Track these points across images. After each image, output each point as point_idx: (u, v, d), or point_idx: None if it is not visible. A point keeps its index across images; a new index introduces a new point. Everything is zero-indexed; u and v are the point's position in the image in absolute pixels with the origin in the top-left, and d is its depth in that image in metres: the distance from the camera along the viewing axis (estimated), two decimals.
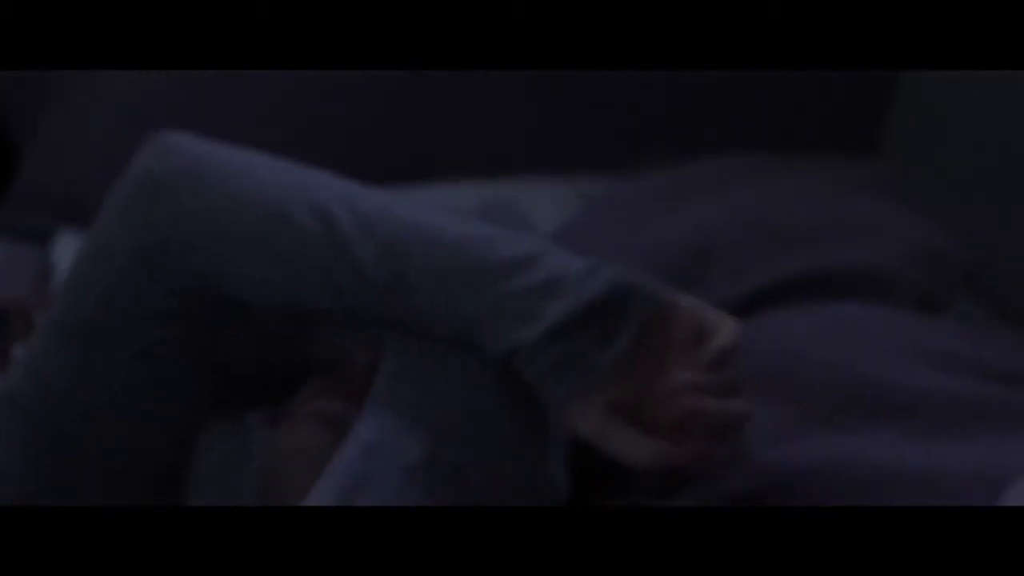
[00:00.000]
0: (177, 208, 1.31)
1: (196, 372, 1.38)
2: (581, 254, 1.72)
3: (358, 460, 1.26)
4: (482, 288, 1.24)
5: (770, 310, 1.58)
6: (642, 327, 1.23)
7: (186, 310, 1.34)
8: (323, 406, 1.45)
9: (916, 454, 1.34)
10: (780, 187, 1.75)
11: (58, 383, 1.35)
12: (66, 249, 1.97)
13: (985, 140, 2.15)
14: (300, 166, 1.34)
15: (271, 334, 1.56)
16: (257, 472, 1.51)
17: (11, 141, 2.16)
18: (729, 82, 2.05)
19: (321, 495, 1.25)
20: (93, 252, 1.35)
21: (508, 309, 1.23)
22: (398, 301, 1.26)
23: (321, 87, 2.05)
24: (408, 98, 2.06)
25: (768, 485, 1.36)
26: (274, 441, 1.48)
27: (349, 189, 1.31)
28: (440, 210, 1.31)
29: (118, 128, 2.01)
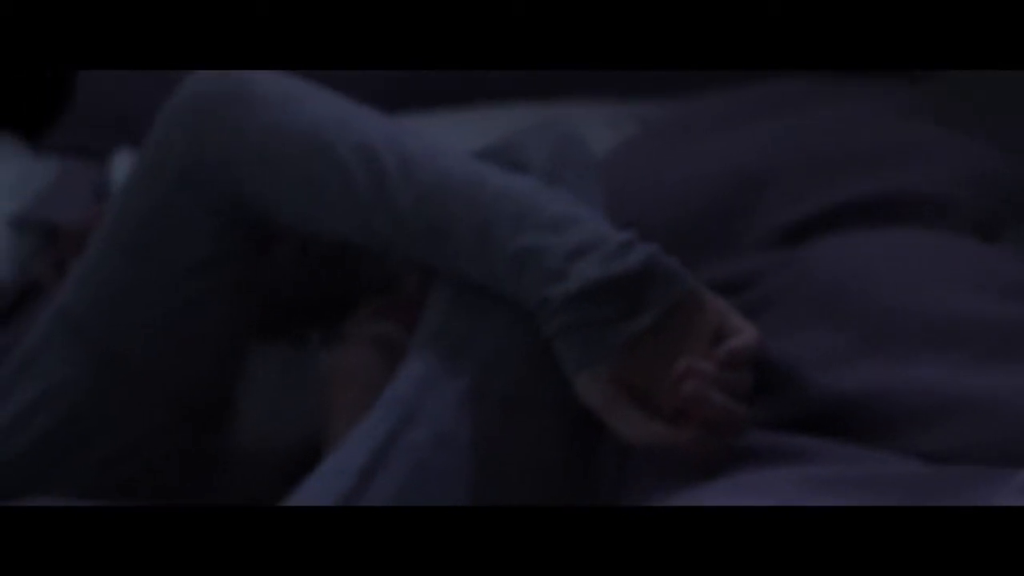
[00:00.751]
0: (221, 129, 1.31)
1: (243, 291, 1.38)
2: (635, 176, 1.72)
3: (411, 391, 1.26)
4: (517, 241, 1.23)
5: (823, 236, 1.57)
6: (667, 310, 1.22)
7: (229, 229, 1.34)
8: (374, 329, 1.45)
9: (968, 381, 1.33)
10: (833, 112, 1.72)
11: (108, 298, 1.36)
12: (122, 167, 1.98)
13: None
14: (350, 101, 1.34)
15: (325, 257, 1.56)
16: (313, 391, 1.52)
17: None
18: None
19: (375, 426, 1.25)
20: (143, 169, 1.36)
21: (540, 265, 1.22)
22: (433, 247, 1.26)
23: None
24: None
25: (819, 412, 1.35)
26: (327, 361, 1.49)
27: (395, 129, 1.31)
28: (482, 160, 1.31)
29: None
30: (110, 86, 2.14)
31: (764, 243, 1.61)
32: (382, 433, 1.24)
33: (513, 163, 1.34)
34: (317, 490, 1.24)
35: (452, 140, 1.39)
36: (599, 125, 1.95)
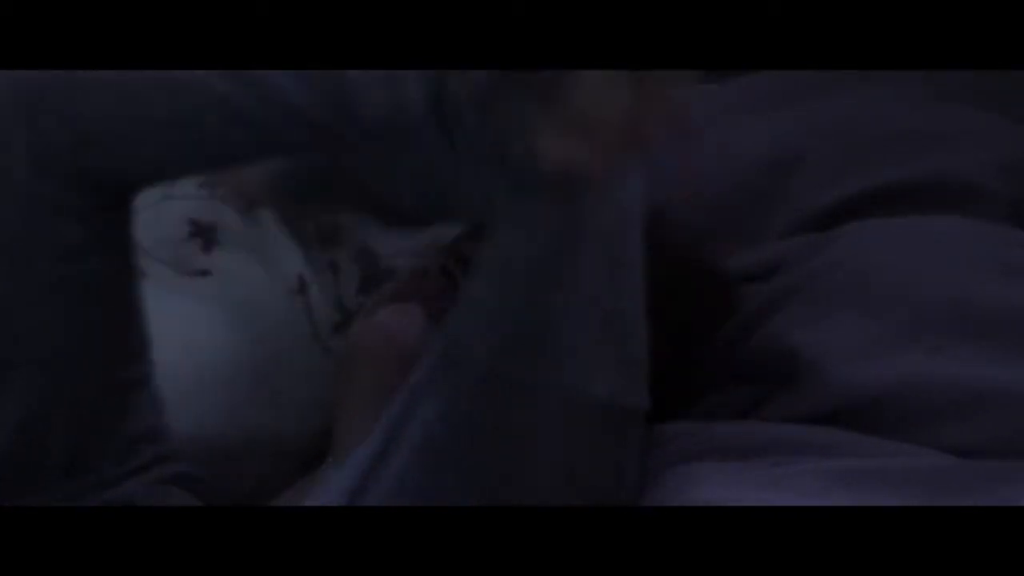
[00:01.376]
0: (60, 105, 1.27)
1: (122, 264, 1.34)
2: (664, 160, 1.68)
3: (423, 375, 1.24)
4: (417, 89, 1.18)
5: (854, 221, 1.53)
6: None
7: (99, 206, 1.29)
8: (391, 310, 1.44)
9: (1001, 374, 1.31)
10: (867, 95, 1.69)
11: None
12: None
13: None
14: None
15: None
16: (332, 371, 1.50)
17: None
18: None
19: (389, 410, 1.25)
20: None
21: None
22: (341, 121, 1.21)
23: None
24: None
25: (847, 404, 1.33)
26: (344, 344, 1.48)
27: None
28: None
29: None
30: None
31: (795, 228, 1.58)
32: (401, 404, 1.23)
33: None
34: (333, 481, 1.24)
35: None
36: None
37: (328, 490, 1.27)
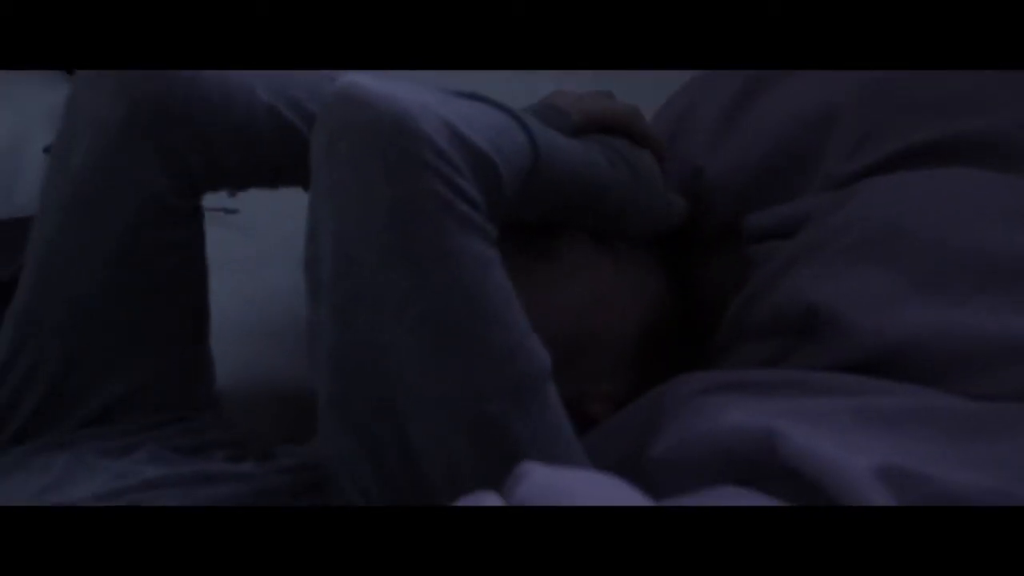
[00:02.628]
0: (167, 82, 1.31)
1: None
2: (704, 117, 1.66)
3: None
4: None
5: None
6: None
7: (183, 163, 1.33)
8: None
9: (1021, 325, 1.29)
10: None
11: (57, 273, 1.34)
12: None
13: None
14: None
15: None
16: None
17: None
18: None
19: None
20: (72, 137, 1.35)
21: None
22: None
23: None
24: None
25: (870, 356, 1.32)
26: None
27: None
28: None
29: None
30: None
31: (830, 189, 1.56)
32: None
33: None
34: None
35: (505, 98, 1.36)
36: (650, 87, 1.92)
37: None
